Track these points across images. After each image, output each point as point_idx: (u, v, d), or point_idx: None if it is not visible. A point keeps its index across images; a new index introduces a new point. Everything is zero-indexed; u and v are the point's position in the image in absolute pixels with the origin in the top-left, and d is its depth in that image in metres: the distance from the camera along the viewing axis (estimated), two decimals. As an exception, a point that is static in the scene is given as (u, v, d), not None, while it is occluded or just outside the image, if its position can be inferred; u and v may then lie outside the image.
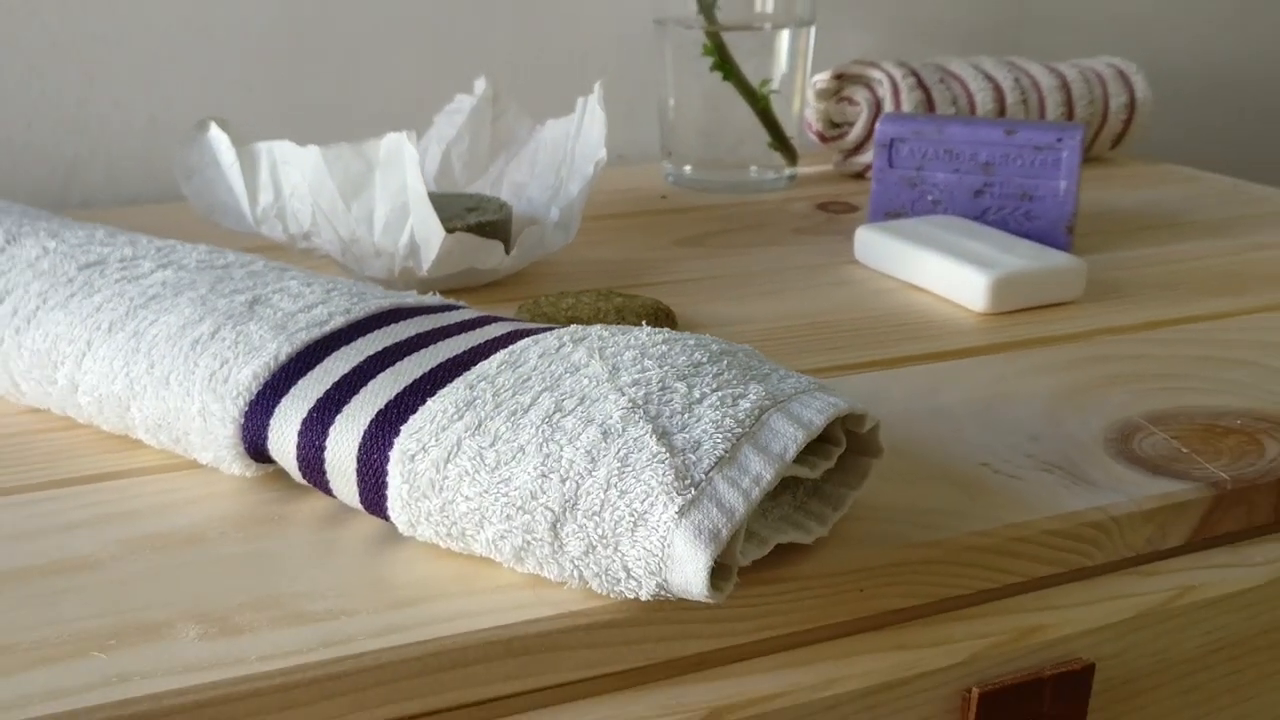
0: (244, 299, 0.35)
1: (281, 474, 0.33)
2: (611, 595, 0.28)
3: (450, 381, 0.30)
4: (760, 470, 0.27)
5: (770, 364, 0.32)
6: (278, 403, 0.32)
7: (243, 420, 0.32)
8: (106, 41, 0.65)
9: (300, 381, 0.32)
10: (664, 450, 0.27)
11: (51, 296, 0.37)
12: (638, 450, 0.27)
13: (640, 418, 0.28)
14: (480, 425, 0.29)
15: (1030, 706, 0.31)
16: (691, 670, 0.29)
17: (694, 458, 0.27)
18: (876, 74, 0.67)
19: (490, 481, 0.28)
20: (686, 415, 0.28)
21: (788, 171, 0.69)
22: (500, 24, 0.73)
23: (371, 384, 0.31)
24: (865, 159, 0.68)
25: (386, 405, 0.30)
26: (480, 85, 0.58)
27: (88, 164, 0.66)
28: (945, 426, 0.38)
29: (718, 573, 0.27)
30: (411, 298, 0.37)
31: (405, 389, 0.31)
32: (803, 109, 0.69)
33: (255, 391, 0.32)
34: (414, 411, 0.30)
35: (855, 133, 0.68)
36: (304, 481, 0.32)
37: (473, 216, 0.50)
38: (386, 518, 0.30)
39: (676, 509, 0.26)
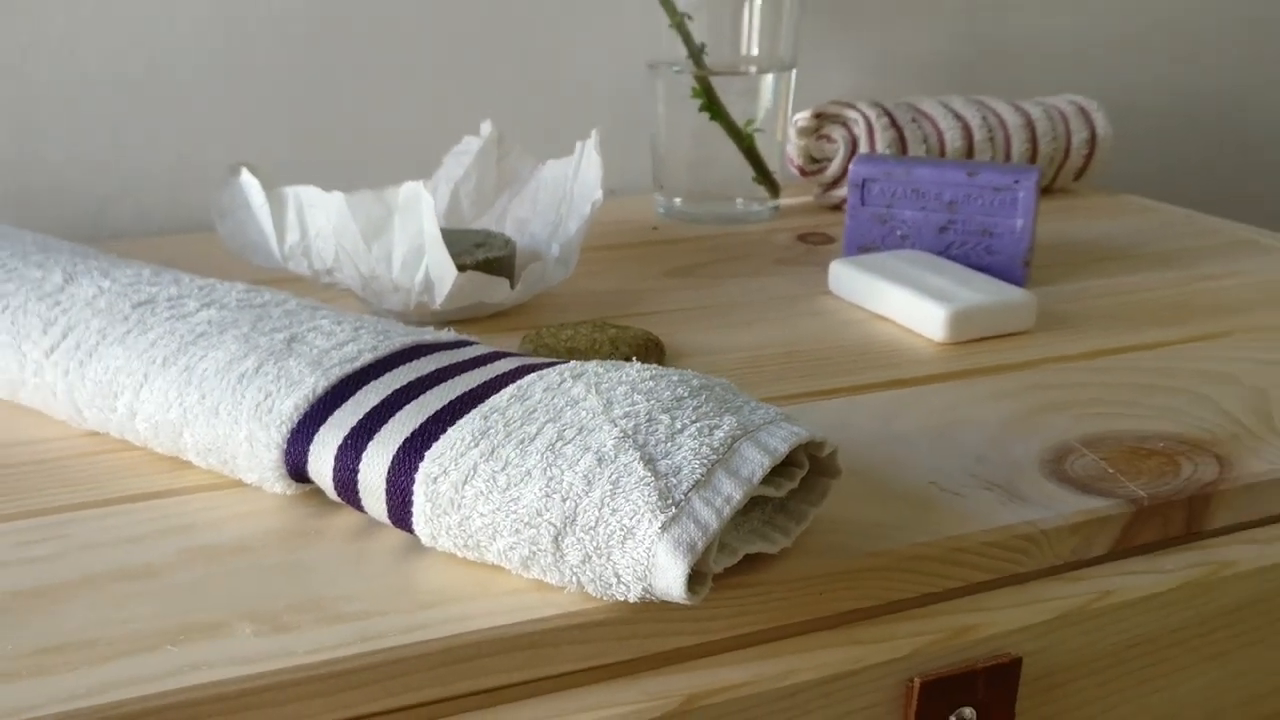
0: (283, 336, 0.40)
1: (317, 492, 0.38)
2: (604, 598, 0.32)
3: (467, 413, 0.35)
4: (731, 491, 0.32)
5: (744, 397, 0.36)
6: (316, 430, 0.36)
7: (285, 446, 0.37)
8: (138, 84, 0.70)
9: (336, 412, 0.37)
10: (650, 474, 0.32)
11: (110, 333, 0.42)
12: (627, 474, 0.32)
13: (630, 446, 0.33)
14: (493, 452, 0.34)
15: (965, 695, 0.36)
16: (672, 663, 0.34)
17: (675, 481, 0.32)
18: (853, 114, 0.72)
19: (501, 500, 0.33)
20: (669, 444, 0.33)
21: (771, 204, 0.74)
22: (505, 71, 0.78)
23: (399, 414, 0.36)
24: (842, 192, 0.73)
25: (412, 434, 0.35)
26: (486, 128, 0.63)
27: (119, 199, 0.71)
28: (900, 449, 0.42)
29: (694, 579, 0.31)
30: (430, 334, 0.42)
31: (428, 419, 0.35)
32: (785, 145, 0.73)
33: (296, 421, 0.37)
34: (436, 439, 0.35)
35: (833, 168, 0.73)
36: (338, 499, 0.37)
37: (480, 252, 0.55)
38: (411, 531, 0.35)
39: (660, 525, 0.31)
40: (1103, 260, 0.65)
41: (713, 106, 0.69)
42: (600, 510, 0.32)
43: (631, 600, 0.32)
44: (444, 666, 0.31)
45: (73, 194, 0.70)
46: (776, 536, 0.35)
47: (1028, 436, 0.44)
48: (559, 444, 0.33)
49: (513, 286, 0.54)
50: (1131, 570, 0.39)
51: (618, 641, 0.33)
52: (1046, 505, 0.39)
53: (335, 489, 0.36)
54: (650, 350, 0.50)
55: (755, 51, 0.71)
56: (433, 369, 0.38)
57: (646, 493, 0.31)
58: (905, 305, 0.54)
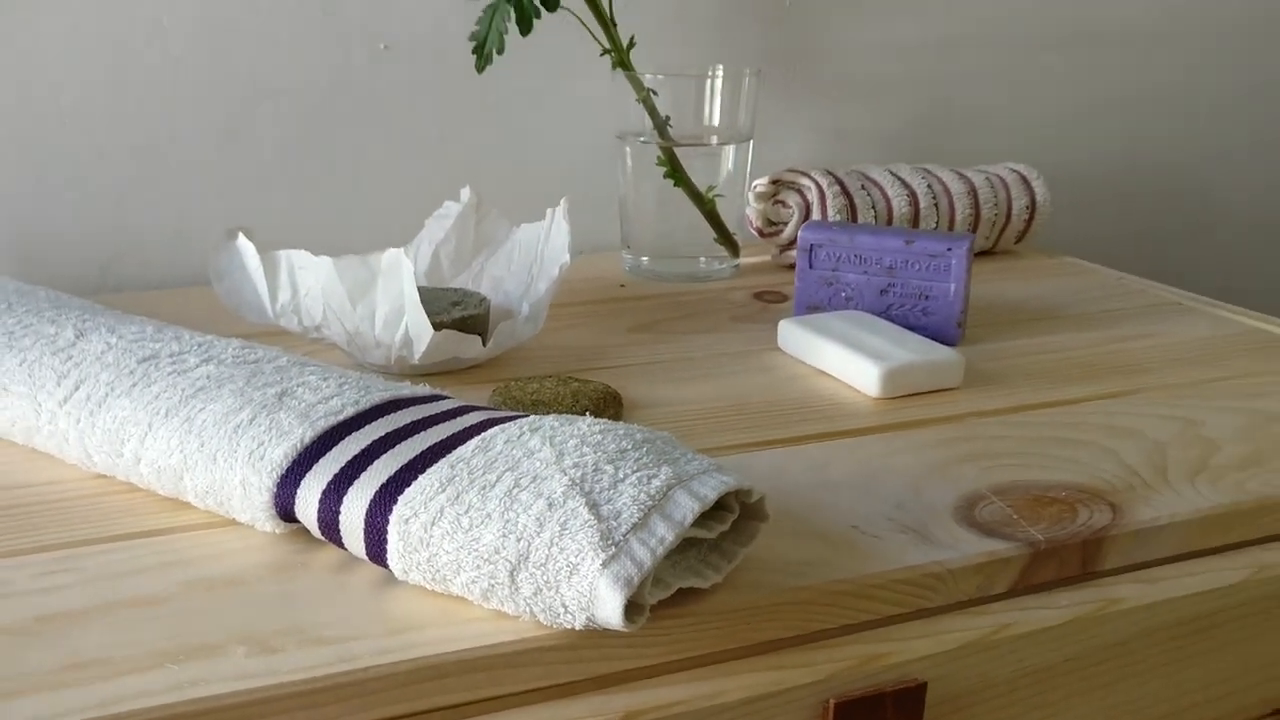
0: (274, 391, 0.45)
1: (303, 531, 0.42)
2: (554, 626, 0.37)
3: (436, 462, 0.40)
4: (664, 533, 0.37)
5: (681, 449, 0.41)
6: (303, 476, 0.41)
7: (275, 489, 0.41)
8: (143, 151, 0.75)
9: (321, 460, 0.41)
10: (593, 518, 0.37)
11: (117, 385, 0.47)
12: (574, 518, 0.37)
13: (577, 493, 0.38)
14: (458, 497, 0.38)
15: (876, 716, 0.40)
16: (614, 684, 0.38)
17: (616, 524, 0.37)
18: (806, 181, 0.77)
19: (465, 540, 0.37)
20: (612, 491, 0.38)
21: (732, 262, 0.79)
22: (484, 141, 0.83)
23: (376, 463, 0.41)
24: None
25: (387, 480, 0.40)
26: (465, 194, 0.68)
27: (123, 257, 0.76)
28: (828, 495, 0.47)
29: (632, 609, 0.36)
30: (407, 389, 0.46)
31: (402, 467, 0.40)
32: (745, 208, 0.79)
33: (285, 467, 0.42)
34: (408, 485, 0.39)
35: (788, 232, 0.78)
36: (321, 538, 0.41)
37: (457, 310, 0.60)
38: (386, 566, 0.39)
39: (601, 562, 0.36)
40: (1034, 320, 0.71)
41: (676, 174, 0.74)
42: (550, 549, 0.36)
43: (577, 628, 0.36)
44: (412, 685, 0.36)
45: (80, 250, 0.75)
46: (709, 573, 0.40)
47: (944, 485, 0.48)
48: (515, 490, 0.38)
49: (486, 342, 0.59)
50: (1029, 606, 0.44)
51: (565, 665, 0.38)
52: (954, 547, 0.44)
53: (319, 528, 0.41)
54: (609, 403, 0.54)
55: (716, 123, 0.76)
56: (407, 421, 0.43)
57: (590, 534, 0.36)
58: (844, 363, 0.59)
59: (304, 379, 0.46)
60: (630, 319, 0.70)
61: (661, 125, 0.74)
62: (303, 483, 0.41)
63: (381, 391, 0.46)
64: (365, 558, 0.40)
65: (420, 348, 0.55)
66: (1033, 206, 0.82)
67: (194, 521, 0.44)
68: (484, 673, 0.37)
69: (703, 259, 0.78)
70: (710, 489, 0.38)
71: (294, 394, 0.45)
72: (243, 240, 0.58)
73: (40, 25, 0.72)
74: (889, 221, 0.78)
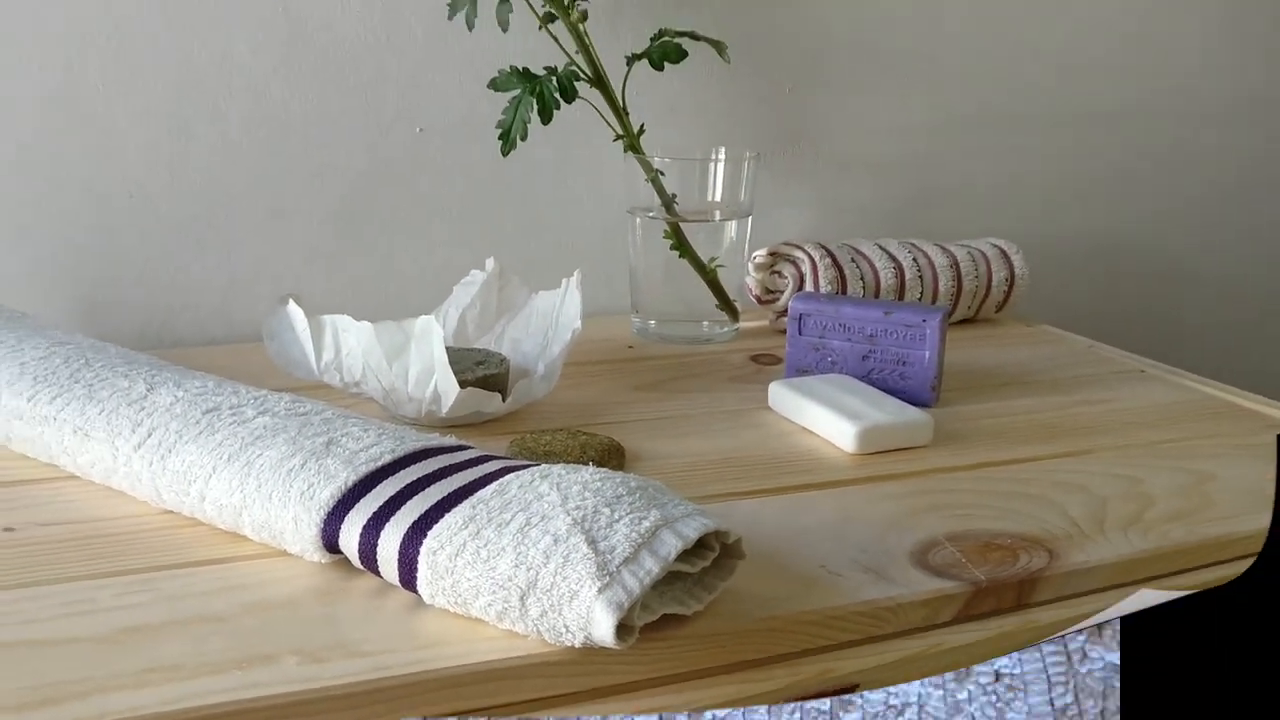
0: (322, 440, 0.52)
1: (346, 561, 0.49)
2: (557, 644, 0.44)
3: (460, 503, 0.47)
4: (651, 566, 0.43)
5: (670, 495, 0.48)
6: (346, 514, 0.48)
7: (322, 525, 0.48)
8: (201, 220, 0.83)
9: (361, 500, 0.48)
10: (591, 552, 0.43)
11: (185, 434, 0.54)
12: (575, 552, 0.43)
13: (578, 531, 0.44)
14: (478, 533, 0.45)
15: (833, 727, 0.47)
16: (608, 695, 0.45)
17: (610, 557, 0.43)
18: (800, 253, 0.85)
19: (483, 569, 0.44)
20: (609, 530, 0.45)
21: (732, 327, 0.86)
22: (509, 216, 0.91)
23: (409, 503, 0.47)
24: (793, 319, 0.85)
25: (419, 518, 0.47)
26: (490, 263, 0.75)
27: (179, 314, 0.84)
28: (800, 539, 0.54)
29: (623, 630, 0.43)
30: (435, 439, 0.53)
31: (431, 507, 0.47)
32: (745, 276, 0.86)
33: (331, 506, 0.48)
34: (436, 522, 0.46)
35: (783, 300, 0.85)
36: (361, 567, 0.48)
37: (480, 369, 0.67)
38: (416, 592, 0.46)
39: (597, 589, 0.42)
40: (1005, 384, 0.77)
41: (681, 246, 0.82)
42: (554, 578, 0.43)
43: (577, 646, 0.43)
44: (436, 692, 0.42)
45: (143, 310, 0.83)
46: (691, 603, 0.46)
47: (905, 532, 0.55)
48: (527, 528, 0.45)
49: (504, 399, 0.66)
50: (961, 630, 0.50)
51: (566, 678, 0.44)
52: (906, 585, 0.50)
53: (359, 559, 0.48)
54: (612, 454, 0.61)
55: (719, 199, 0.84)
56: (436, 468, 0.50)
57: (588, 565, 0.43)
58: (825, 421, 0.65)
59: (347, 429, 0.53)
60: (636, 378, 0.77)
61: (668, 202, 0.82)
62: (346, 519, 0.48)
63: (414, 441, 0.53)
64: (398, 584, 0.47)
65: (448, 403, 0.63)
66: (1011, 279, 0.89)
67: (251, 552, 0.51)
68: (497, 683, 0.43)
69: (705, 323, 0.85)
70: (693, 530, 0.45)
71: (339, 443, 0.52)
72: (293, 306, 0.65)
73: (115, 110, 0.80)
74: (876, 292, 0.85)
